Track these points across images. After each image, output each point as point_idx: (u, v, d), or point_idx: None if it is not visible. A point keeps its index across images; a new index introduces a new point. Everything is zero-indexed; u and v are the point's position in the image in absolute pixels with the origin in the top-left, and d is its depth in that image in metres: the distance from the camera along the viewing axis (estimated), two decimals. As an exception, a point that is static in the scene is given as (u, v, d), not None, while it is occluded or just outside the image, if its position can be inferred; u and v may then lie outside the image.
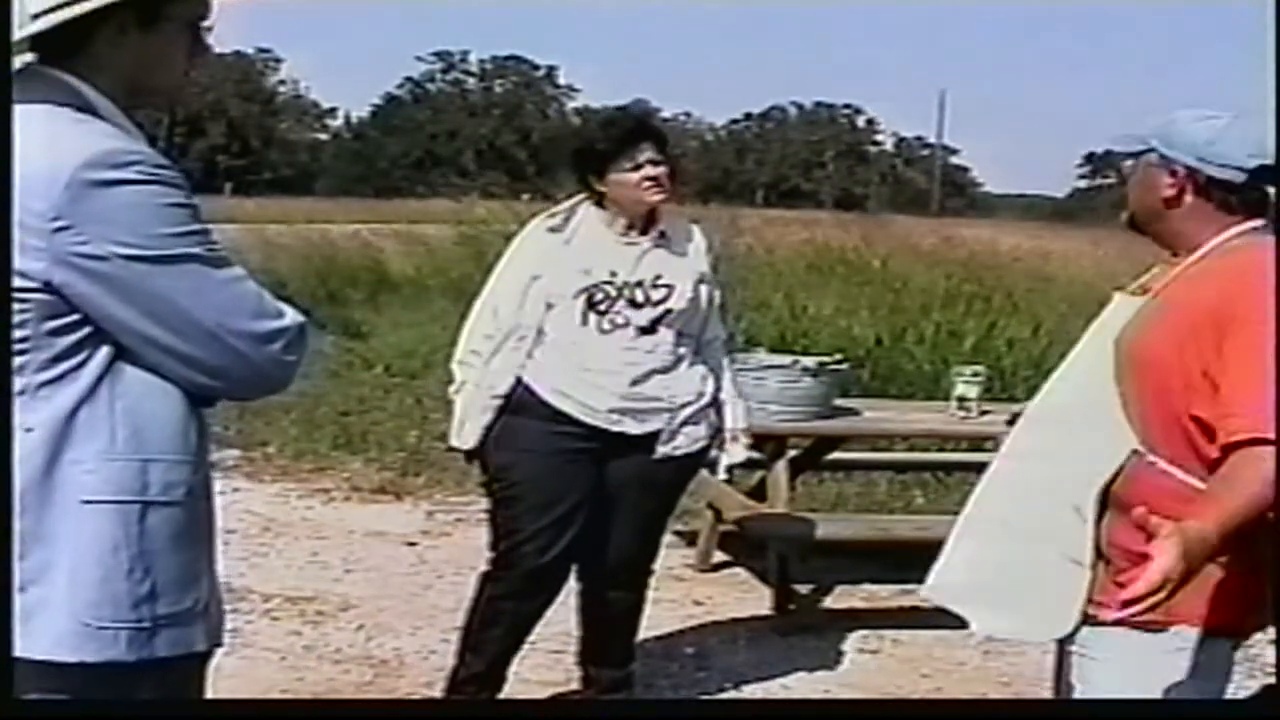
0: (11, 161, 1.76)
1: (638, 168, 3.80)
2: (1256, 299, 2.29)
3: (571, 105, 74.85)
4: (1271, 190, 2.43)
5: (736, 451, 4.07)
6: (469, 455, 3.95)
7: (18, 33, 1.82)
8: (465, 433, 3.89)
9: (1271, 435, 2.18)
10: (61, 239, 1.75)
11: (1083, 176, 79.14)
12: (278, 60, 74.97)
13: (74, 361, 1.80)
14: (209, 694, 2.04)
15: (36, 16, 1.82)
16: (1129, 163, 2.54)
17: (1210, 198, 2.42)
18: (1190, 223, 2.44)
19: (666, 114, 73.55)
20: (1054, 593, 2.41)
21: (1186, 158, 2.42)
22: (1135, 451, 2.35)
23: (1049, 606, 2.43)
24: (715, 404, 4.00)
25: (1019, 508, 2.47)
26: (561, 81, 78.16)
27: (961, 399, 5.77)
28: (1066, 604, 2.39)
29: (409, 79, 77.39)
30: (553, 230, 3.89)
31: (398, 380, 10.07)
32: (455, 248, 15.48)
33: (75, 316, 1.79)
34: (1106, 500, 2.37)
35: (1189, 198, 2.43)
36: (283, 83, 76.43)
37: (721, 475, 4.27)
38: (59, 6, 1.80)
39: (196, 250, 1.82)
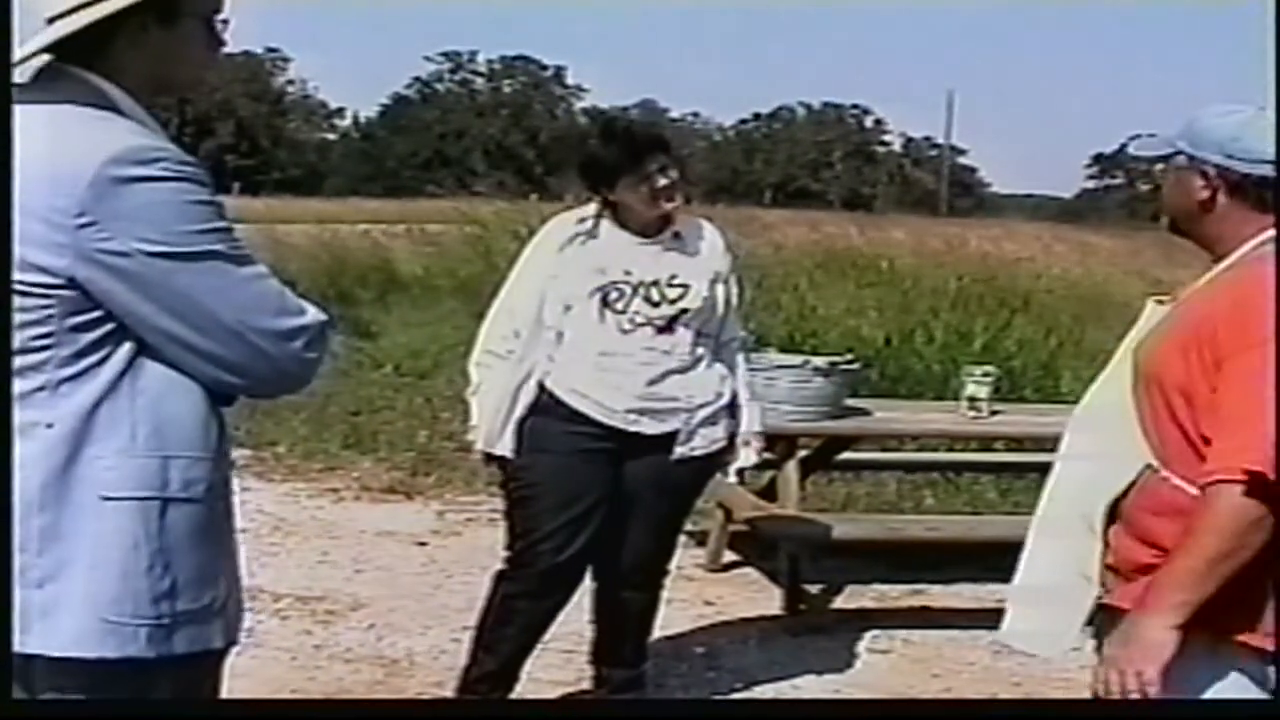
0: (11, 161, 1.76)
1: (647, 178, 3.80)
2: (1265, 316, 2.17)
3: (579, 105, 75.02)
4: None
5: (748, 456, 4.07)
6: (489, 457, 3.93)
7: (38, 39, 1.83)
8: (491, 437, 3.85)
9: (1256, 467, 2.08)
10: (85, 235, 1.75)
11: (1091, 177, 79.32)
12: (286, 60, 75.26)
13: (96, 358, 1.80)
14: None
15: (54, 19, 1.82)
16: (1160, 166, 2.43)
17: (1245, 197, 2.29)
18: (1226, 225, 2.31)
19: (675, 114, 73.94)
20: (1061, 605, 2.34)
21: (1214, 156, 2.30)
22: (1149, 466, 2.27)
23: (1054, 619, 2.36)
24: (732, 406, 4.00)
25: (1049, 510, 2.43)
26: (569, 81, 78.40)
27: (972, 399, 5.76)
28: (1069, 619, 2.32)
29: (417, 79, 77.61)
30: (574, 233, 3.88)
31: (407, 380, 10.09)
32: (463, 247, 15.49)
33: (98, 313, 1.79)
34: (1116, 513, 2.30)
35: (1222, 199, 2.31)
36: (291, 82, 76.73)
37: (731, 478, 4.27)
38: (79, 8, 1.81)
39: (219, 247, 1.83)
